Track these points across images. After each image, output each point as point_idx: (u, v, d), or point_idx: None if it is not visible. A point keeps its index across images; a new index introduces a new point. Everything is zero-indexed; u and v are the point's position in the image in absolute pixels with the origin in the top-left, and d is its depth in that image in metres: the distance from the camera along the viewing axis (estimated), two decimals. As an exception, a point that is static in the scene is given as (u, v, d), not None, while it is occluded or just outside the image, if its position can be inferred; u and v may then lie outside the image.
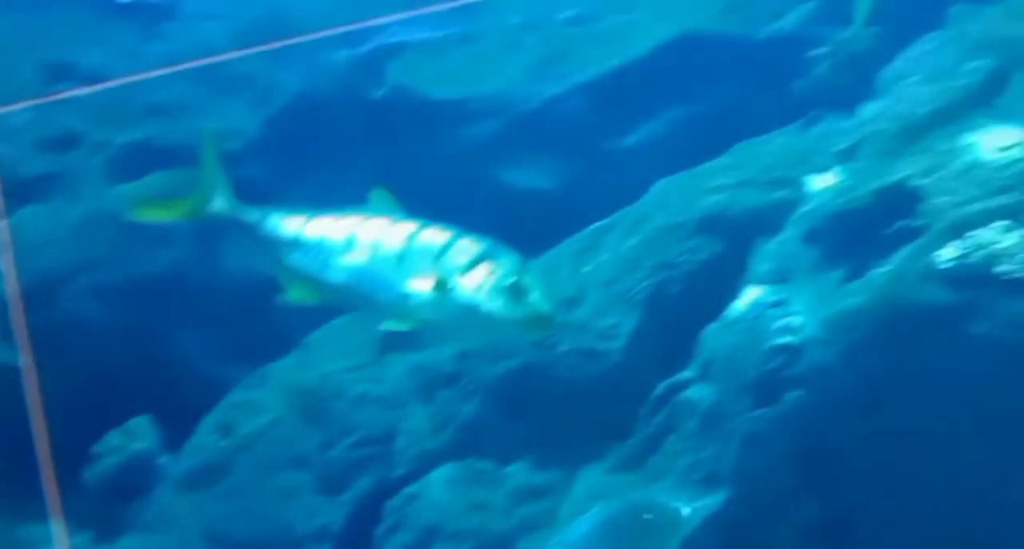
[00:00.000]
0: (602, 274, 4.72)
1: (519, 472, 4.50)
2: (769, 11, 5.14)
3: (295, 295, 3.04)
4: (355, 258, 2.90)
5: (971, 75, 4.19)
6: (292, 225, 3.08)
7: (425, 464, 4.54)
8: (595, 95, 5.44)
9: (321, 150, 5.77)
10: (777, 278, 4.18)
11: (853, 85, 4.71)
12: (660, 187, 4.88)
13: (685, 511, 2.74)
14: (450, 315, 2.74)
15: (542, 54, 5.66)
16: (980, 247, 3.32)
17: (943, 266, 3.40)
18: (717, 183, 4.65)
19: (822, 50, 4.72)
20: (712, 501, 4.03)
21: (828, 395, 3.84)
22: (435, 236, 2.83)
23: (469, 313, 2.71)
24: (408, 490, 4.48)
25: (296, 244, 3.04)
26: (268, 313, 5.40)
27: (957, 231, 3.55)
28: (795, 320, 3.95)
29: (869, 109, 4.56)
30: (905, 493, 3.74)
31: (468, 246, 2.77)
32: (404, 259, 2.78)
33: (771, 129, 4.90)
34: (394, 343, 4.85)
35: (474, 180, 5.62)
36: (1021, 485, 3.57)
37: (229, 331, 5.52)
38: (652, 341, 4.51)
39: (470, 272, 2.71)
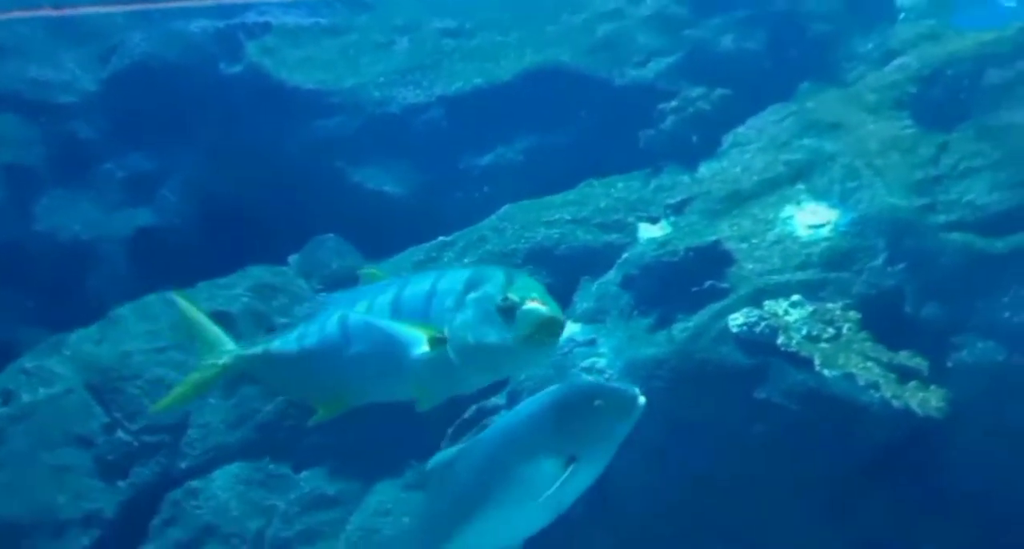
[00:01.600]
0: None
1: (311, 479, 4.46)
2: (635, 57, 5.33)
3: (325, 412, 2.91)
4: (355, 350, 2.78)
5: (800, 151, 4.48)
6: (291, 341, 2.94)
7: (214, 459, 4.43)
8: (456, 110, 5.49)
9: (159, 117, 5.57)
10: (592, 318, 4.32)
11: (699, 142, 4.93)
12: (504, 212, 4.97)
13: (641, 400, 2.75)
14: (462, 363, 2.61)
15: (411, 60, 5.67)
16: (769, 317, 3.54)
17: (735, 330, 3.60)
18: (556, 217, 4.77)
19: (672, 103, 4.93)
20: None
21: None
22: (417, 289, 2.69)
23: (477, 354, 2.59)
24: (192, 484, 4.36)
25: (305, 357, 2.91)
26: (76, 279, 5.16)
27: (755, 299, 3.77)
28: (600, 361, 4.10)
29: (707, 168, 4.78)
30: (679, 540, 3.93)
31: (450, 285, 2.64)
32: (398, 329, 2.65)
33: (618, 171, 5.07)
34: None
35: (320, 175, 5.56)
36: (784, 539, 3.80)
37: (32, 293, 5.24)
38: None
39: (459, 313, 2.57)
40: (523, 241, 4.58)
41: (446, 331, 2.60)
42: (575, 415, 2.79)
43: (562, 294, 4.52)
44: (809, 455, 3.67)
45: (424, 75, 5.48)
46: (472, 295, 2.61)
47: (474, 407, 4.44)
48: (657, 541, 3.90)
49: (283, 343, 2.97)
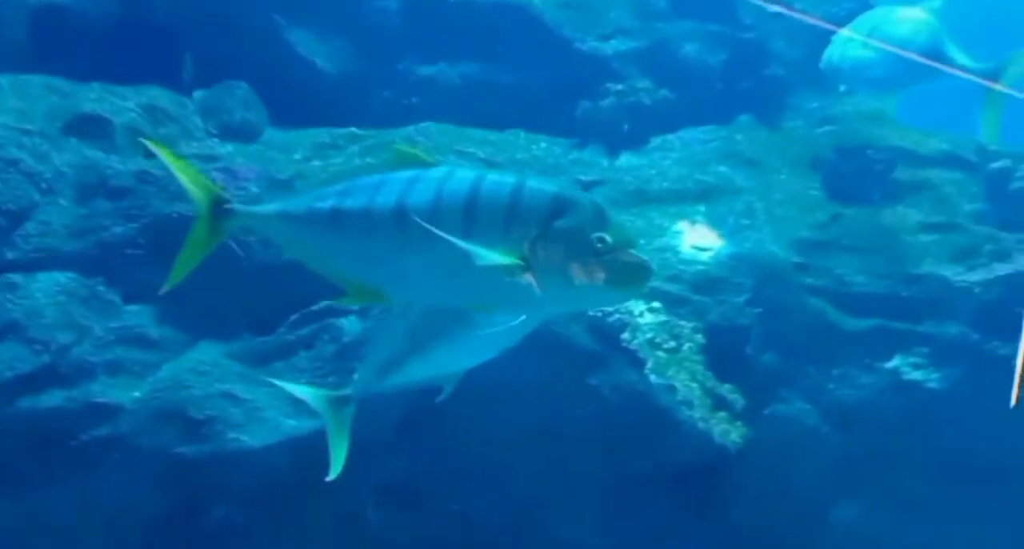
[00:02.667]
0: (324, 174, 4.71)
1: (138, 314, 4.37)
2: (601, 29, 5.38)
3: (355, 298, 2.57)
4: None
5: (713, 175, 4.70)
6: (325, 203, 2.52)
7: (42, 260, 4.26)
8: (414, 10, 5.40)
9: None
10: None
11: (629, 132, 5.07)
12: (423, 126, 4.98)
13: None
14: (541, 295, 2.34)
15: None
16: (623, 313, 3.75)
17: (589, 313, 3.81)
18: (470, 150, 4.83)
19: (618, 87, 5.04)
20: (308, 424, 4.20)
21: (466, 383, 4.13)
22: (494, 195, 2.33)
23: (561, 289, 2.34)
24: (11, 277, 4.16)
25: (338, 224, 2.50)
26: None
27: (621, 298, 3.97)
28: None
29: (627, 160, 4.94)
30: (476, 485, 4.12)
31: (533, 202, 2.32)
32: (470, 234, 2.30)
33: (547, 132, 5.14)
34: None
35: (255, 20, 5.33)
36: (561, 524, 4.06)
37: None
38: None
39: (545, 242, 2.29)
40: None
41: (525, 254, 2.36)
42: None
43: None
44: (614, 452, 3.95)
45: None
46: (560, 224, 2.37)
47: (325, 303, 4.48)
48: (443, 495, 4.08)
49: (310, 205, 2.61)
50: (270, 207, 2.76)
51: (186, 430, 4.17)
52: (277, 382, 3.49)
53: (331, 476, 2.78)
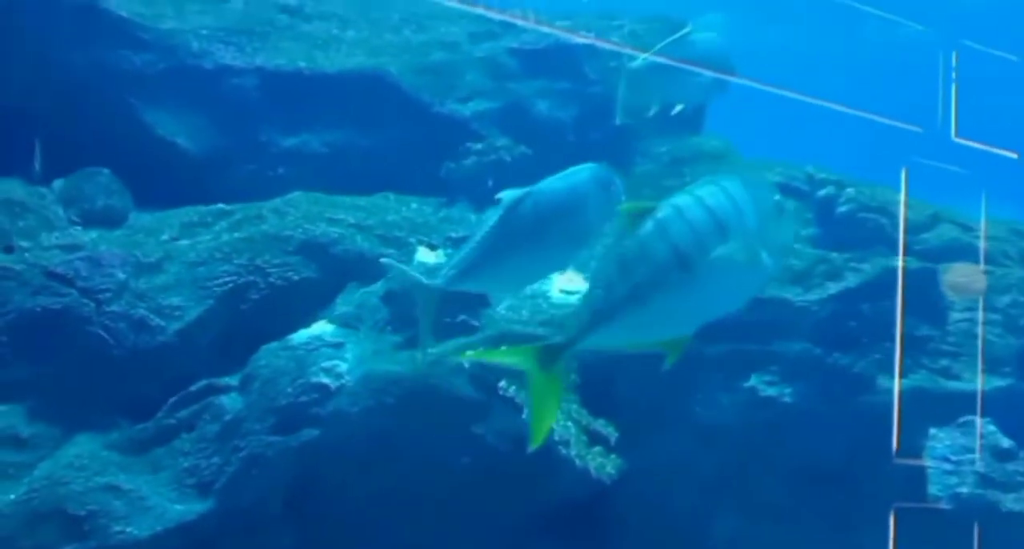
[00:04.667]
0: (193, 253, 4.79)
1: (6, 415, 4.33)
2: (459, 92, 5.68)
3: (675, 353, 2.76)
4: None
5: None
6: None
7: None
8: (272, 85, 5.57)
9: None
10: (346, 322, 4.57)
11: (494, 187, 5.33)
12: (292, 197, 5.11)
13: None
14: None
15: (241, 23, 5.68)
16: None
17: (467, 365, 4.00)
18: (340, 217, 4.98)
19: (478, 146, 5.32)
20: (197, 508, 4.21)
21: (340, 443, 4.25)
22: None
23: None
24: None
25: None
26: None
27: (497, 341, 4.20)
28: (341, 365, 4.35)
29: (493, 214, 5.18)
30: (366, 540, 4.21)
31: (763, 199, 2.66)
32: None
33: (414, 192, 5.36)
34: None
35: (110, 106, 5.41)
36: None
37: None
38: (209, 336, 4.64)
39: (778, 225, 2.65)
40: (301, 231, 4.76)
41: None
42: None
43: (325, 293, 4.74)
44: (502, 496, 4.12)
45: (249, 41, 5.53)
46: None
47: (204, 382, 4.53)
48: (343, 545, 4.17)
49: (610, 305, 2.66)
50: (584, 327, 2.78)
51: (68, 528, 4.13)
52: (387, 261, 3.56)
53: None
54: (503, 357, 3.01)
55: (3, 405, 4.32)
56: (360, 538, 4.17)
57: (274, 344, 4.51)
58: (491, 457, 4.12)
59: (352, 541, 4.19)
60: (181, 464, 4.37)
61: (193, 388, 4.51)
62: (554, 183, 3.36)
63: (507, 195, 3.35)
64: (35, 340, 4.47)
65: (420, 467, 4.20)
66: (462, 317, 4.44)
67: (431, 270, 3.67)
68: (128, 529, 4.15)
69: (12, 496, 4.14)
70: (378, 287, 4.70)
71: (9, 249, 4.66)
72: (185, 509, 4.21)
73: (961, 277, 4.19)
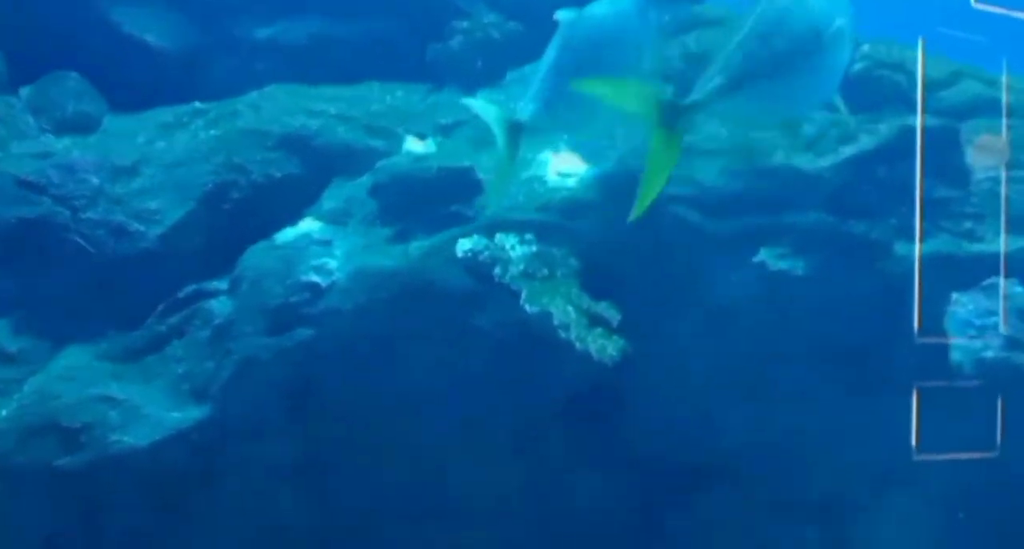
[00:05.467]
0: (169, 155, 4.60)
1: (-7, 331, 4.24)
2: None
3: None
4: None
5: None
6: None
7: None
8: (242, -28, 5.25)
9: None
10: (335, 219, 4.40)
11: (484, 69, 5.06)
12: (268, 90, 4.88)
13: None
14: None
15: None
16: (494, 248, 3.79)
17: (460, 254, 3.83)
18: (321, 108, 4.76)
19: (464, 24, 5.01)
20: (194, 415, 4.14)
21: (336, 342, 4.14)
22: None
23: None
24: None
25: None
26: None
27: (490, 230, 4.02)
28: (331, 263, 4.20)
29: (486, 97, 4.93)
30: (373, 445, 4.14)
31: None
32: None
33: (401, 80, 5.10)
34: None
35: (73, 3, 5.13)
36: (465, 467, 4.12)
37: None
38: (193, 240, 4.49)
39: None
40: (279, 125, 4.56)
41: None
42: None
43: (310, 189, 4.55)
44: (507, 387, 4.01)
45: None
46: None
47: (192, 287, 4.40)
48: (349, 448, 4.09)
49: (743, 67, 2.90)
50: (718, 90, 2.97)
51: (63, 441, 4.07)
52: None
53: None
54: (624, 93, 3.02)
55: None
56: (364, 442, 4.09)
57: (261, 244, 4.36)
58: (491, 347, 3.99)
59: (357, 445, 4.12)
60: (175, 371, 4.29)
61: (181, 294, 4.40)
62: (601, 7, 3.21)
63: (563, 15, 3.20)
64: (12, 251, 4.33)
65: (422, 364, 4.08)
66: (454, 207, 4.25)
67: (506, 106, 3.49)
68: (125, 438, 4.10)
69: (4, 412, 4.07)
70: (365, 180, 4.52)
71: (-22, 159, 4.48)
72: (182, 416, 4.15)
73: (984, 142, 3.93)
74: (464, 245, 3.91)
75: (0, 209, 4.37)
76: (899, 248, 4.01)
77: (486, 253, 3.85)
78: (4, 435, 4.07)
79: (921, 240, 3.95)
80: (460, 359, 4.09)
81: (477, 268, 3.95)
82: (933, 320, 3.89)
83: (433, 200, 4.30)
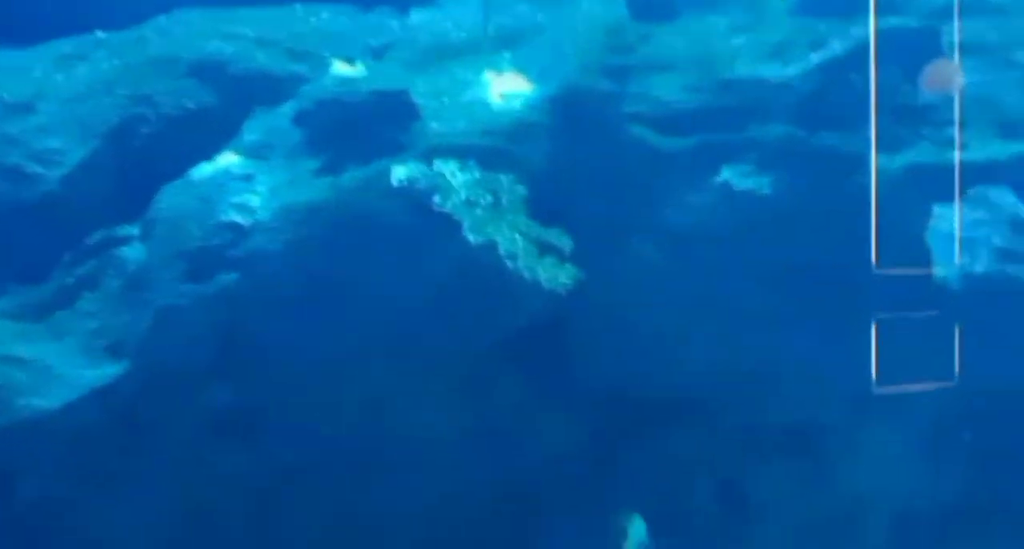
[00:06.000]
0: (69, 89, 4.16)
1: None
2: None
3: None
4: None
5: (513, 17, 4.37)
6: None
7: None
8: None
9: None
10: (255, 152, 4.03)
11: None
12: (178, 14, 4.43)
13: None
14: None
15: None
16: (433, 176, 3.46)
17: (396, 183, 3.49)
18: (238, 31, 4.33)
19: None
20: (111, 371, 3.79)
21: (264, 285, 3.79)
22: None
23: None
24: None
25: None
26: None
27: (429, 157, 3.68)
28: (253, 200, 3.84)
29: (419, 16, 4.56)
30: (311, 391, 3.82)
31: None
32: None
33: (331, 2, 4.68)
34: None
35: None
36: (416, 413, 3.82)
37: None
38: (99, 181, 4.09)
39: None
40: (190, 50, 4.13)
41: None
42: None
43: (228, 121, 4.15)
44: (452, 324, 3.70)
45: None
46: None
47: (101, 233, 4.01)
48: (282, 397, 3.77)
49: None
50: None
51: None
52: None
53: None
54: None
55: None
56: (298, 390, 3.76)
57: (175, 183, 3.98)
58: (435, 282, 3.67)
59: (290, 394, 3.79)
60: (87, 326, 3.93)
61: (89, 241, 3.99)
62: None
63: None
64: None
65: (360, 305, 3.74)
66: (388, 134, 3.88)
67: None
68: (35, 401, 3.72)
69: (-101, 378, 3.67)
70: (288, 108, 4.13)
71: None
72: (98, 374, 3.80)
73: (938, 74, 3.63)
74: (400, 173, 3.56)
75: None
76: (876, 160, 3.72)
77: (425, 181, 3.50)
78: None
79: (896, 150, 3.66)
80: (400, 297, 3.76)
81: (415, 198, 3.61)
82: (914, 236, 3.62)
83: (364, 127, 3.94)
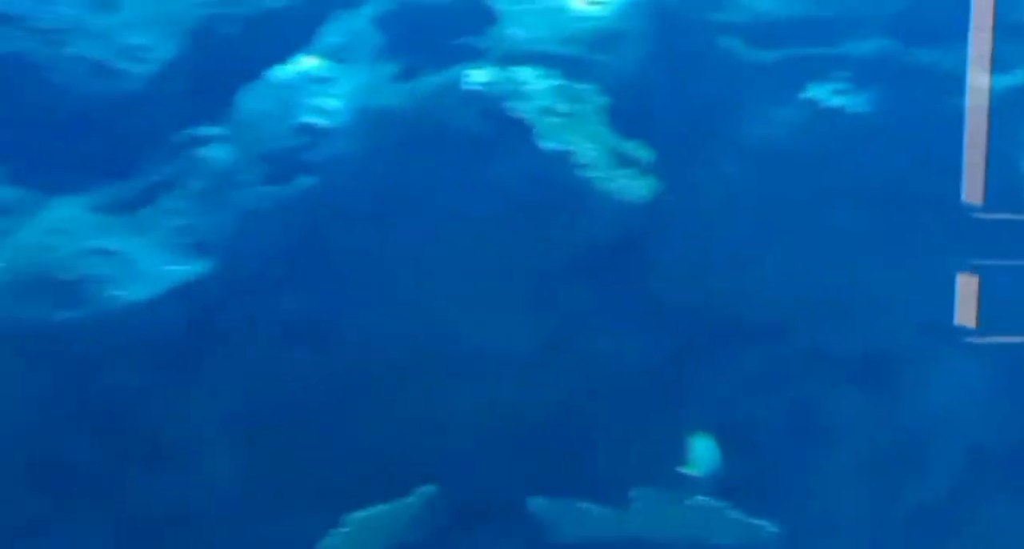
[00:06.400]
0: (152, -14, 4.18)
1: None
2: None
3: None
4: None
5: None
6: None
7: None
8: None
9: None
10: (335, 55, 4.01)
11: None
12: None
13: None
14: None
15: None
16: (508, 83, 3.42)
17: (471, 87, 3.46)
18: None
19: None
20: (193, 269, 3.91)
21: (336, 189, 3.84)
22: None
23: None
24: None
25: None
26: None
27: (506, 63, 3.62)
28: (332, 102, 3.85)
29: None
30: (387, 305, 3.90)
31: None
32: None
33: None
34: None
35: None
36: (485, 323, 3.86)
37: None
38: (182, 79, 4.14)
39: None
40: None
41: None
42: None
43: (308, 22, 4.14)
44: (525, 235, 3.71)
45: None
46: None
47: (184, 132, 4.07)
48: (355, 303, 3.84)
49: None
50: None
51: (58, 295, 3.86)
52: None
53: None
54: None
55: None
56: (371, 296, 3.84)
57: (255, 84, 4.00)
58: (508, 194, 3.66)
59: (363, 300, 3.87)
60: (171, 223, 4.03)
61: (172, 139, 4.06)
62: None
63: None
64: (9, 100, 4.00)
65: (430, 213, 3.77)
66: (466, 39, 3.83)
67: None
68: (122, 293, 3.87)
69: (-2, 265, 3.84)
70: (367, 10, 4.08)
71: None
72: (182, 270, 3.90)
73: None
74: (476, 78, 3.52)
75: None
76: (975, 79, 3.53)
77: (501, 87, 3.46)
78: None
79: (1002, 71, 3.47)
80: (473, 207, 3.78)
81: (491, 104, 3.58)
82: (1012, 168, 3.47)
83: (442, 32, 3.89)
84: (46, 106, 4.09)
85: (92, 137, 4.14)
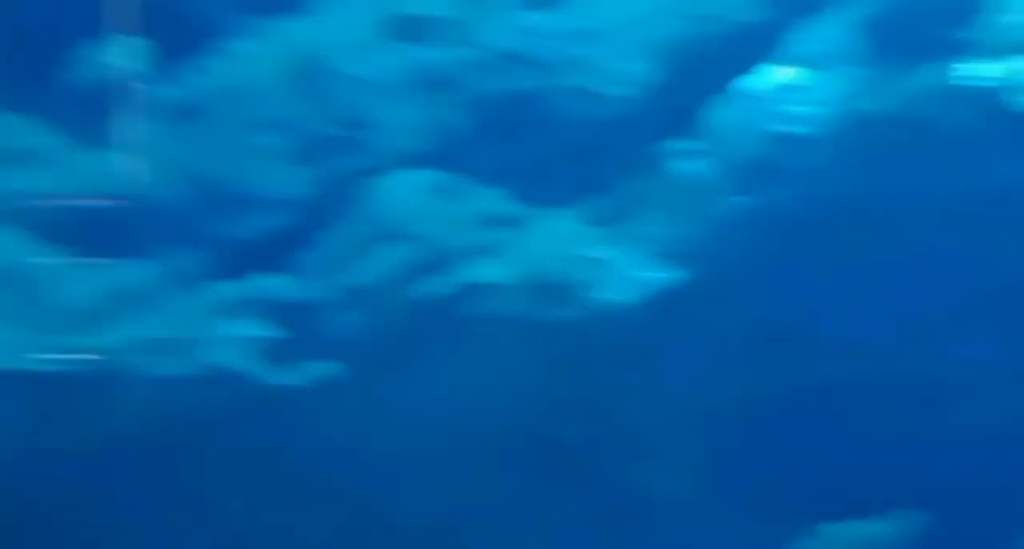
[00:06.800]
0: (628, 11, 4.52)
1: (488, 196, 4.59)
2: None
3: None
4: None
5: None
6: None
7: (397, 162, 4.59)
8: None
9: None
10: (807, 61, 4.06)
11: None
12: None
13: None
14: None
15: None
16: (1006, 74, 3.18)
17: (963, 82, 3.28)
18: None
19: None
20: (669, 276, 4.21)
21: (816, 197, 3.88)
22: None
23: None
24: (374, 182, 4.52)
25: None
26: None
27: (1004, 52, 3.39)
28: (808, 110, 3.91)
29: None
30: (860, 313, 3.88)
31: None
32: None
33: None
34: (407, 32, 4.66)
35: None
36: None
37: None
38: (656, 99, 4.44)
39: None
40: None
41: None
42: None
43: (773, 34, 4.21)
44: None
45: None
46: None
47: (658, 147, 4.34)
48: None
49: None
50: None
51: (557, 296, 4.35)
52: None
53: None
54: None
55: (481, 187, 4.54)
56: (850, 309, 3.83)
57: (727, 96, 4.17)
58: (1015, 198, 3.44)
59: (840, 313, 3.86)
60: (649, 233, 4.35)
61: (648, 155, 4.39)
62: None
63: None
64: (506, 124, 4.59)
65: (923, 221, 3.65)
66: (949, 31, 3.66)
67: None
68: (606, 296, 4.28)
69: (503, 269, 4.42)
70: (841, 14, 4.05)
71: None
72: (658, 277, 4.22)
73: None
74: (969, 72, 3.32)
75: (489, 81, 4.62)
76: None
77: (997, 80, 3.24)
78: (503, 290, 4.45)
79: None
80: (969, 212, 3.59)
81: (986, 99, 3.37)
82: None
83: (925, 27, 3.73)
84: (543, 132, 4.63)
85: (579, 157, 4.61)
